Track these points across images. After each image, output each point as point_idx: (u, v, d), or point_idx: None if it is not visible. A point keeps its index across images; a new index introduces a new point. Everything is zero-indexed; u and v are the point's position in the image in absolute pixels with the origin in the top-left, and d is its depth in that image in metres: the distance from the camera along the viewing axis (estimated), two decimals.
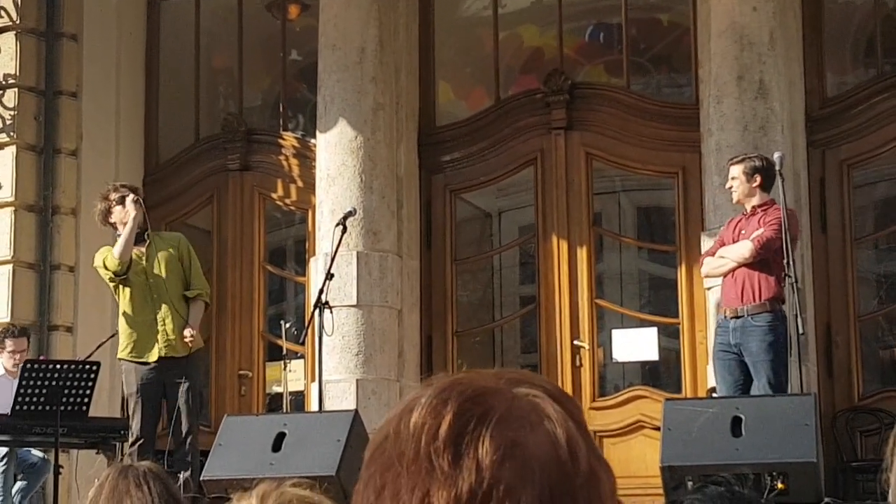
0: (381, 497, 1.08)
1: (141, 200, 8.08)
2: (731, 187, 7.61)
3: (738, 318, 7.34)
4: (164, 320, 7.97)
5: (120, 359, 8.11)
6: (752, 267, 7.35)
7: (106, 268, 8.04)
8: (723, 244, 7.61)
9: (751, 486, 5.64)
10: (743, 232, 7.50)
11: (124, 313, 8.08)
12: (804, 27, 9.26)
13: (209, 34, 11.39)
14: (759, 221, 7.41)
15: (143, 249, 8.09)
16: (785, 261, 7.11)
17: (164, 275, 8.05)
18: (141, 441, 7.72)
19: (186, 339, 7.92)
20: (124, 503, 2.81)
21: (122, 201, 8.04)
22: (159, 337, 7.94)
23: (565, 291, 9.60)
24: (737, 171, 7.57)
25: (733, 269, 7.42)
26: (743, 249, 7.38)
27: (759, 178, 7.47)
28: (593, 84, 10.18)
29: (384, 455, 1.10)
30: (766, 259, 7.33)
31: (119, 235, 8.04)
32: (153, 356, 7.92)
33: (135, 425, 7.81)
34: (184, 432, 7.82)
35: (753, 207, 7.51)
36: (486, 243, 12.44)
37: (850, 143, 9.25)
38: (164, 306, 8.01)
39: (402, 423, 1.10)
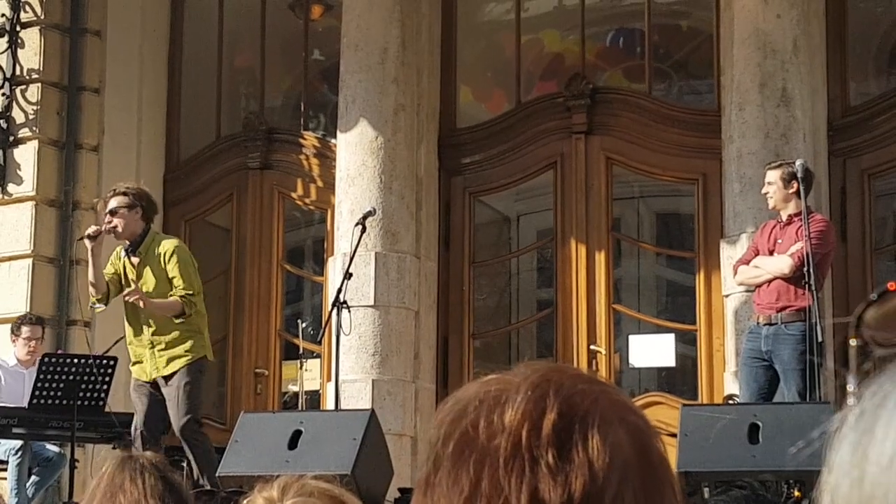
0: (478, 489, 1.07)
1: (115, 222, 7.63)
2: (766, 193, 7.49)
3: (771, 325, 7.26)
4: (153, 344, 7.60)
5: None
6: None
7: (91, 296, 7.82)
8: (757, 251, 7.50)
9: (768, 493, 5.62)
10: (779, 241, 7.38)
11: (126, 331, 7.80)
12: (828, 35, 9.23)
13: (232, 33, 11.42)
14: (797, 232, 7.27)
15: (136, 265, 7.72)
16: (806, 268, 7.06)
17: (152, 292, 7.59)
18: (141, 431, 7.58)
19: (126, 297, 7.48)
20: (118, 498, 2.81)
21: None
22: (148, 361, 7.63)
23: (583, 296, 9.58)
24: (774, 176, 7.43)
25: (768, 281, 7.36)
26: (782, 265, 7.26)
27: (795, 185, 7.33)
28: (615, 89, 10.16)
29: (474, 447, 1.08)
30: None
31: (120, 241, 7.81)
32: (145, 377, 7.65)
33: (137, 417, 7.71)
34: (178, 427, 7.51)
35: (790, 216, 7.38)
36: (504, 247, 12.43)
37: (872, 153, 9.22)
38: (155, 325, 7.60)
39: (494, 417, 1.09)
